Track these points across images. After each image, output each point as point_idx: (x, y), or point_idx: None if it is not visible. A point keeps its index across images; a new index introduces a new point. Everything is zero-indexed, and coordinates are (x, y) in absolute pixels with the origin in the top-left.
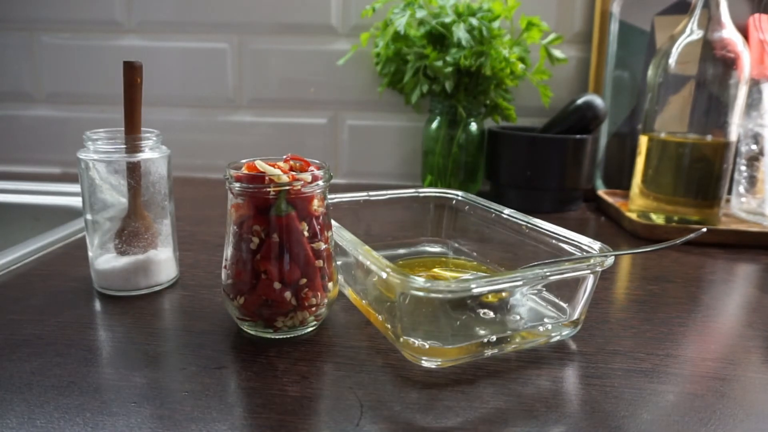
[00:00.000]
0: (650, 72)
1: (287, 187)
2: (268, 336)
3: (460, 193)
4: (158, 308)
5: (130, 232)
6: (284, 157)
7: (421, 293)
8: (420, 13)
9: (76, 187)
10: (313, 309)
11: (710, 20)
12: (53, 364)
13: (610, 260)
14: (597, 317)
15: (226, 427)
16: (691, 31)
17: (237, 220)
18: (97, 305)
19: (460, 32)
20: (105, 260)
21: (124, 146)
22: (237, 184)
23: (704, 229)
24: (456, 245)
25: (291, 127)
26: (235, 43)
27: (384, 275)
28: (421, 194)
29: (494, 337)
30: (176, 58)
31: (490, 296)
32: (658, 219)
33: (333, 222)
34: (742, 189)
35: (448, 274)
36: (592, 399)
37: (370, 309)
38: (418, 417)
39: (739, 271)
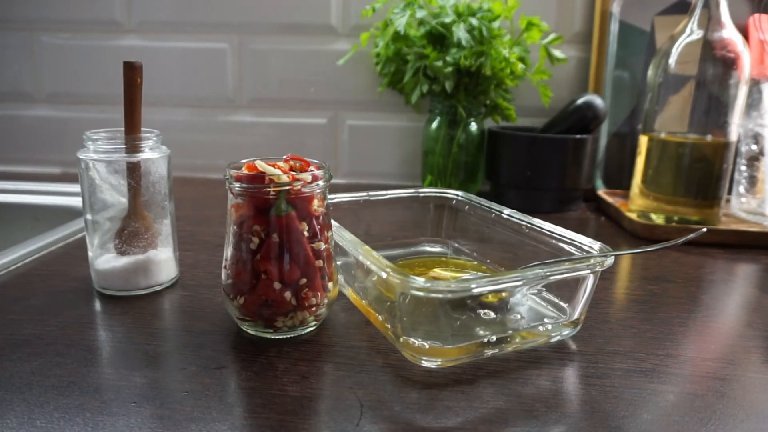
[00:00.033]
0: (650, 72)
1: (287, 187)
2: (268, 336)
3: (460, 193)
4: (158, 308)
5: (130, 232)
6: (284, 157)
7: (421, 293)
8: (420, 13)
9: (76, 187)
10: (313, 309)
11: (710, 20)
12: (53, 364)
13: (610, 260)
14: (597, 317)
15: (226, 427)
16: (691, 31)
17: (237, 220)
18: (97, 305)
19: (460, 32)
20: (105, 260)
21: (124, 146)
22: (237, 184)
23: (704, 229)
24: (456, 245)
25: (291, 127)
26: (235, 43)
27: (384, 275)
28: (421, 194)
29: (494, 337)
30: (176, 58)
31: (490, 296)
32: (658, 219)
33: (333, 222)
34: (742, 189)
35: (448, 274)
36: (592, 399)
37: (370, 309)
38: (418, 417)
39: (739, 271)
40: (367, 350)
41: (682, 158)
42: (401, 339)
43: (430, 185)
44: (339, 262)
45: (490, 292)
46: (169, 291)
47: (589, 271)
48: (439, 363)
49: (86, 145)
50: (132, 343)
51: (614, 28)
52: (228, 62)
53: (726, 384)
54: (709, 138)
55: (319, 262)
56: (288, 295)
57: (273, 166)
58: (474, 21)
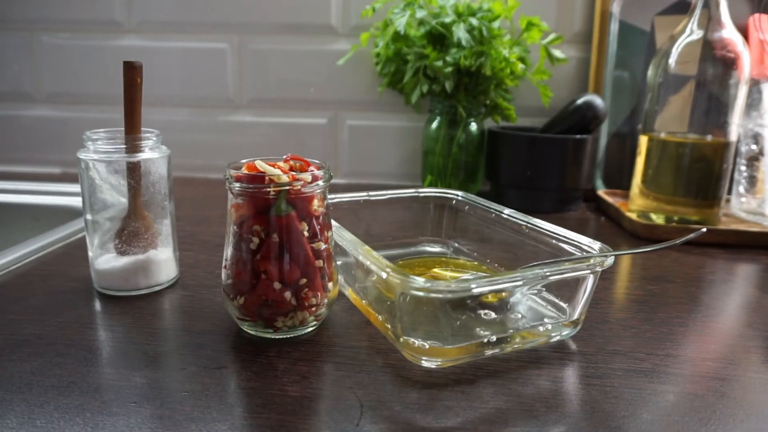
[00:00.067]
0: (650, 72)
1: (287, 187)
2: (268, 336)
3: (460, 193)
4: (158, 308)
5: (130, 232)
6: (284, 157)
7: (421, 293)
8: (420, 13)
9: (76, 187)
10: (313, 309)
11: (710, 20)
12: (53, 364)
13: (610, 260)
14: (597, 317)
15: (226, 427)
16: (691, 31)
17: (237, 220)
18: (97, 305)
19: (460, 32)
20: (105, 260)
21: (124, 146)
22: (237, 184)
23: (704, 229)
24: (456, 245)
25: (291, 127)
26: (235, 43)
27: (384, 275)
28: (421, 194)
29: (494, 337)
30: (176, 58)
31: (490, 296)
32: (658, 219)
33: (333, 222)
34: (742, 189)
35: (448, 274)
36: (592, 399)
37: (370, 309)
38: (418, 417)
39: (739, 271)
40: (367, 350)
41: (682, 158)
42: (401, 339)
43: (430, 185)
44: (339, 262)
45: (490, 292)
46: (169, 291)
47: (589, 271)
48: (439, 363)
49: (86, 145)
50: (132, 343)
51: (614, 28)
52: (228, 62)
53: (726, 384)
54: (709, 138)
55: (319, 262)
56: (288, 295)
57: (273, 166)
58: (474, 21)
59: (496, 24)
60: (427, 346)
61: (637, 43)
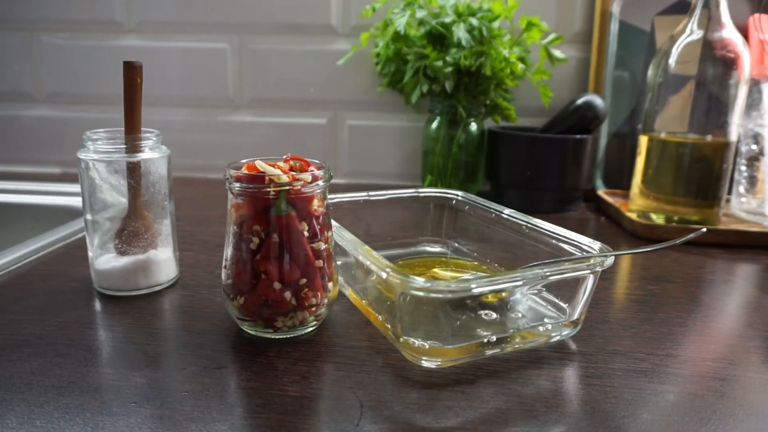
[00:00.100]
0: (650, 72)
1: (287, 187)
2: (268, 336)
3: (460, 193)
4: (158, 308)
5: (130, 232)
6: (284, 157)
7: (421, 293)
8: (420, 13)
9: (76, 187)
10: (313, 309)
11: (710, 20)
12: (53, 364)
13: (610, 260)
14: (597, 317)
15: (226, 427)
16: (691, 31)
17: (237, 220)
18: (97, 305)
19: (460, 32)
20: (105, 260)
21: (124, 146)
22: (237, 184)
23: (704, 229)
24: (456, 245)
25: (291, 127)
26: (235, 43)
27: (384, 275)
28: (421, 194)
29: (494, 337)
30: (176, 58)
31: (490, 296)
32: (658, 219)
33: (333, 222)
34: (742, 189)
35: (448, 274)
36: (592, 399)
37: (370, 309)
38: (418, 417)
39: (739, 271)
40: (367, 350)
41: (682, 158)
42: (401, 339)
43: (430, 185)
44: (339, 262)
45: (490, 292)
46: (169, 291)
47: (589, 271)
48: (439, 363)
49: (86, 145)
50: (132, 343)
51: (614, 28)
52: (228, 62)
53: (726, 384)
54: (709, 138)
55: (319, 262)
56: (288, 295)
57: (273, 166)
58: (474, 21)
59: (496, 24)
60: (427, 346)
61: (637, 43)
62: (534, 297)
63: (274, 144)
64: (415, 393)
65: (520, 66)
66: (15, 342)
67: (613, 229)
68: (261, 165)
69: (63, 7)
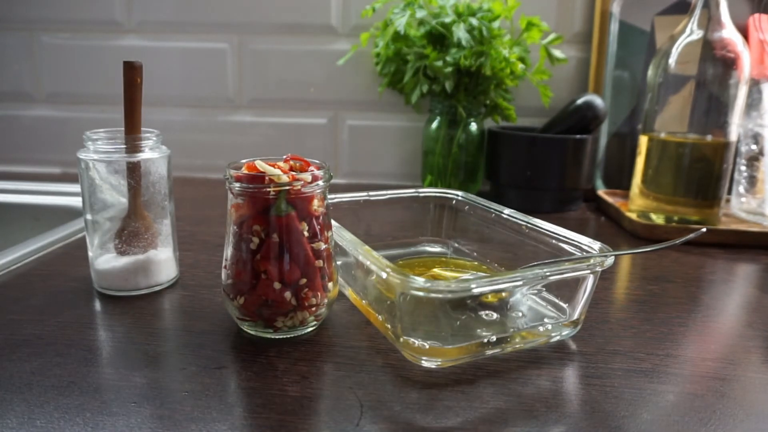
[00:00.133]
0: (650, 72)
1: (287, 187)
2: (268, 336)
3: (460, 193)
4: (158, 308)
5: (130, 232)
6: (284, 157)
7: (421, 293)
8: (420, 13)
9: (76, 187)
10: (313, 309)
11: (710, 20)
12: (53, 364)
13: (610, 260)
14: (597, 317)
15: (226, 427)
16: (691, 31)
17: (237, 220)
18: (97, 305)
19: (460, 32)
20: (105, 260)
21: (124, 146)
22: (237, 184)
23: (704, 229)
24: (456, 245)
25: (291, 127)
26: (235, 43)
27: (384, 275)
28: (421, 194)
29: (494, 337)
30: (176, 58)
31: (490, 296)
32: (658, 219)
33: (333, 222)
34: (742, 189)
35: (448, 274)
36: (592, 399)
37: (370, 309)
38: (418, 417)
39: (739, 271)
40: (367, 350)
41: (682, 158)
42: (401, 339)
43: (430, 185)
44: (339, 262)
45: (490, 292)
46: (169, 291)
47: (589, 271)
48: (439, 363)
49: (86, 145)
50: (132, 343)
51: (614, 28)
52: (228, 62)
53: (726, 384)
54: (709, 138)
55: (319, 262)
56: (288, 295)
57: (273, 166)
58: (474, 21)
59: (496, 24)
60: (427, 346)
61: (637, 43)
62: (534, 297)
63: (274, 144)
64: (415, 393)
65: (520, 66)
66: (15, 342)
67: (613, 229)
68: (261, 165)
69: (63, 7)
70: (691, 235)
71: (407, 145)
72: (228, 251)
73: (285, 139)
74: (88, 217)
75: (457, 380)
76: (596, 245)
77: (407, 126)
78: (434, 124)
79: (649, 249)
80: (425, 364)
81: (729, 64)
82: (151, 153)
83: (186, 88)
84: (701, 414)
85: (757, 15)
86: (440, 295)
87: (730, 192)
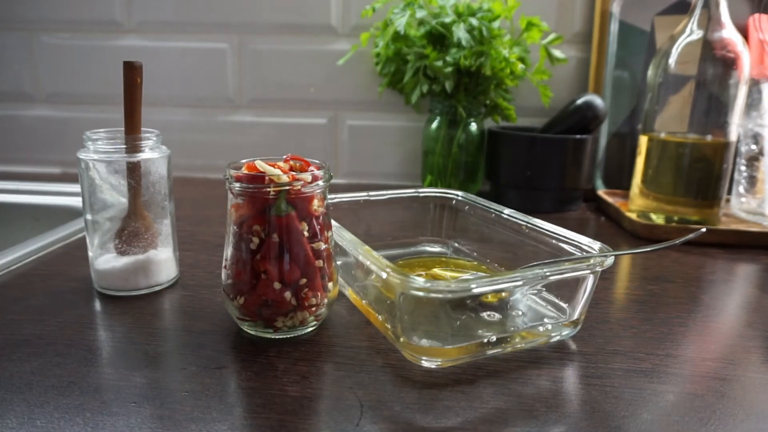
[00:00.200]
0: (650, 72)
1: (287, 187)
2: (268, 336)
3: (460, 193)
4: (158, 308)
5: (130, 232)
6: (284, 157)
7: (421, 293)
8: (420, 13)
9: (76, 187)
10: (313, 309)
11: (710, 20)
12: (53, 364)
13: (610, 260)
14: (597, 317)
15: (226, 427)
16: (691, 31)
17: (237, 220)
18: (97, 305)
19: (460, 32)
20: (105, 260)
21: (124, 146)
22: (237, 184)
23: (704, 229)
24: (456, 245)
25: (291, 127)
26: (235, 43)
27: (384, 275)
28: (421, 194)
29: (494, 337)
30: (176, 58)
31: (490, 296)
32: (658, 219)
33: (333, 222)
34: (742, 189)
35: (448, 274)
36: (592, 399)
37: (370, 309)
38: (418, 417)
39: (739, 271)
40: (367, 350)
41: (682, 158)
42: (401, 339)
43: (430, 185)
44: (339, 262)
45: (490, 292)
46: (169, 291)
47: (589, 271)
48: (439, 363)
49: (86, 145)
50: (132, 343)
51: (614, 28)
52: (228, 62)
53: (726, 384)
54: (709, 138)
55: (319, 262)
56: (288, 295)
57: (273, 166)
58: (474, 21)
59: (496, 24)
60: (427, 346)
61: (637, 43)
62: (534, 297)
63: (274, 144)
64: (415, 393)
65: (520, 66)
66: (15, 342)
67: (613, 229)
68: (261, 165)
69: (63, 7)
70: (691, 235)
71: (407, 145)
72: (228, 251)
73: (285, 139)
74: (88, 217)
75: (457, 380)
76: (596, 245)
77: (407, 126)
78: (434, 124)
79: (649, 249)
80: (425, 364)
81: (729, 64)
82: (151, 153)
83: (186, 88)
84: (701, 414)
85: (757, 15)
86: (440, 295)
87: (730, 192)
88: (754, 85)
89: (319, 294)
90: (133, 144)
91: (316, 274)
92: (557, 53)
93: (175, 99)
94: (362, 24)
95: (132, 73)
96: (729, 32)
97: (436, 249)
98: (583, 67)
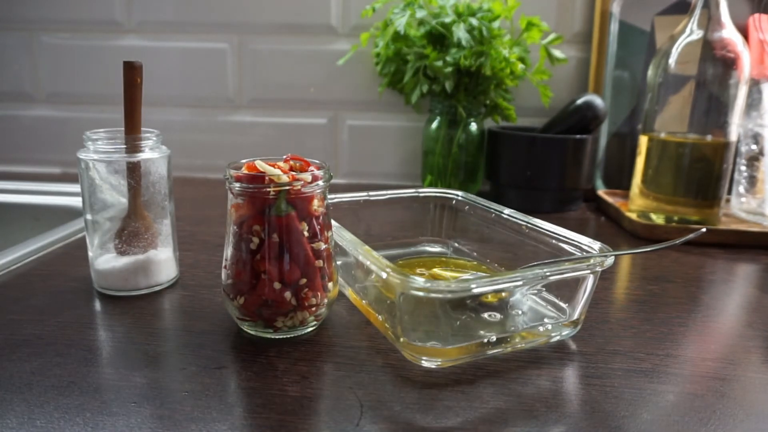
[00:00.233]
0: (650, 72)
1: (287, 187)
2: (268, 336)
3: (460, 193)
4: (158, 308)
5: (130, 232)
6: (284, 157)
7: (421, 293)
8: (420, 13)
9: (76, 187)
10: (313, 309)
11: (710, 20)
12: (53, 364)
13: (610, 260)
14: (597, 317)
15: (226, 427)
16: (691, 31)
17: (237, 220)
18: (97, 305)
19: (460, 32)
20: (105, 260)
21: (124, 146)
22: (237, 184)
23: (704, 229)
24: (456, 245)
25: (291, 127)
26: (235, 43)
27: (384, 275)
28: (421, 194)
29: (494, 337)
30: (176, 58)
31: (490, 296)
32: (658, 219)
33: (333, 222)
34: (742, 189)
35: (448, 274)
36: (592, 399)
37: (370, 309)
38: (418, 417)
39: (739, 271)
40: (367, 350)
41: (682, 158)
42: (401, 339)
43: (430, 185)
44: (339, 262)
45: (490, 292)
46: (169, 291)
47: (589, 271)
48: (439, 363)
49: (86, 145)
50: (132, 343)
51: (614, 28)
52: (228, 62)
53: (726, 384)
54: (709, 138)
55: (319, 262)
56: (288, 295)
57: (273, 166)
58: (474, 21)
59: (496, 24)
60: (427, 346)
61: (637, 43)
62: (534, 297)
63: (274, 144)
64: (415, 393)
65: (520, 66)
66: (15, 342)
67: (613, 229)
68: (261, 165)
69: (63, 7)
70: (691, 235)
71: (407, 145)
72: (228, 251)
73: (285, 139)
74: (88, 217)
75: (457, 380)
76: (596, 245)
77: (407, 126)
78: (434, 124)
79: (649, 249)
80: (425, 364)
81: (729, 64)
82: (151, 153)
83: (186, 88)
84: (701, 414)
85: (757, 15)
86: (440, 295)
87: (730, 192)
88: (754, 85)
89: (319, 294)
90: (133, 144)
91: (316, 274)
92: (557, 53)
93: (175, 99)
94: (362, 24)
95: (132, 73)
96: (729, 32)
97: (436, 249)
98: (583, 67)
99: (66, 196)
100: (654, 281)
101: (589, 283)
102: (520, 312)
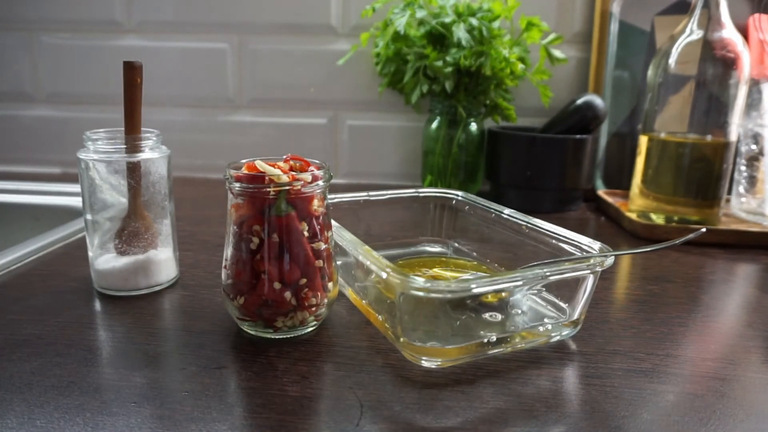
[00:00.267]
0: (650, 72)
1: (287, 187)
2: (268, 336)
3: (460, 193)
4: (158, 308)
5: (130, 232)
6: (284, 157)
7: (421, 293)
8: (420, 13)
9: (76, 187)
10: (313, 309)
11: (710, 20)
12: (53, 364)
13: (610, 260)
14: (597, 317)
15: (226, 427)
16: (691, 31)
17: (237, 220)
18: (97, 305)
19: (460, 32)
20: (105, 260)
21: (124, 146)
22: (237, 184)
23: (704, 229)
24: (456, 245)
25: (291, 127)
26: (235, 43)
27: (384, 275)
28: (421, 194)
29: (494, 337)
30: (176, 58)
31: (490, 296)
32: (658, 219)
33: (333, 222)
34: (742, 189)
35: (448, 274)
36: (592, 399)
37: (370, 309)
38: (418, 417)
39: (739, 271)
40: (367, 350)
41: (682, 158)
42: (401, 339)
43: (430, 185)
44: (339, 262)
45: (490, 292)
46: (169, 291)
47: (589, 271)
48: (439, 363)
49: (86, 145)
50: (132, 343)
51: (614, 28)
52: (228, 62)
53: (726, 384)
54: (709, 138)
55: (319, 262)
56: (288, 295)
57: (273, 166)
58: (474, 21)
59: (496, 24)
60: (427, 346)
61: (637, 43)
62: (534, 297)
63: (274, 144)
64: (415, 393)
65: (520, 66)
66: (15, 342)
67: (613, 229)
68: (261, 165)
69: (63, 7)
70: (691, 235)
71: (407, 145)
72: (228, 251)
73: (285, 139)
74: (88, 217)
75: (457, 380)
76: (596, 245)
77: (407, 126)
78: (434, 124)
79: (649, 249)
80: (425, 364)
81: (729, 64)
82: (151, 153)
83: (186, 88)
84: (701, 414)
85: (757, 15)
86: (440, 295)
87: (730, 192)
88: (754, 85)
89: (319, 294)
90: (133, 144)
91: (316, 274)
92: (557, 53)
93: (175, 99)
94: (362, 24)
95: (132, 73)
96: (729, 32)
97: (436, 249)
98: (583, 67)
99: (66, 196)
100: (654, 281)
101: (589, 283)
102: (520, 312)
